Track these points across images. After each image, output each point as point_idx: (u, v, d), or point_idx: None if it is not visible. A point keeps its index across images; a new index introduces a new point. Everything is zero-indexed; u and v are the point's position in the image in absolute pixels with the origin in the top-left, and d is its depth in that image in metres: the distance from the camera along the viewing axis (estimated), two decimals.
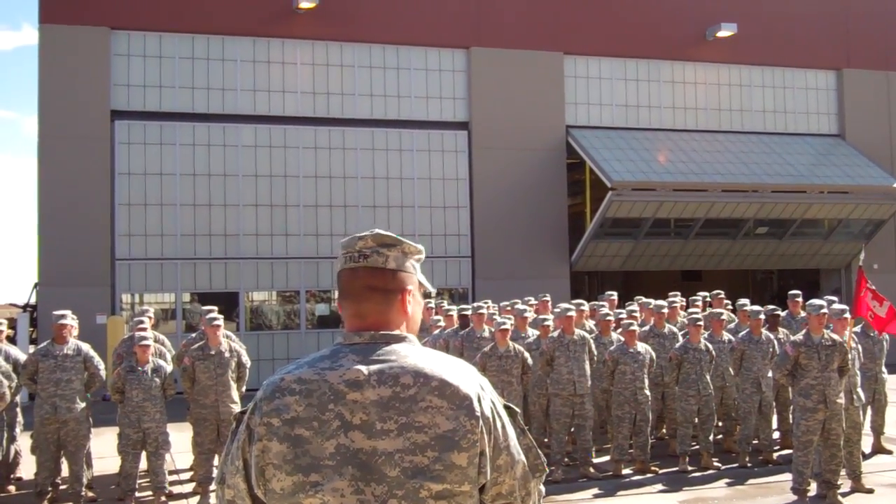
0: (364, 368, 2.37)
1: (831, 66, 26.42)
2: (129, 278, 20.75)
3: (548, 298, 14.65)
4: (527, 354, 11.44)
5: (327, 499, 2.30)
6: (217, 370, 10.28)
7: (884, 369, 12.69)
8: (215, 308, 11.65)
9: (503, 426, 2.41)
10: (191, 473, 11.15)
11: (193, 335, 12.46)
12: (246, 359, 10.69)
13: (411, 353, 2.41)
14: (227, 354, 10.39)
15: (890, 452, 12.55)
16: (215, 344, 10.39)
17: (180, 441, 11.87)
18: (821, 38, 26.10)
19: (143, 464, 10.38)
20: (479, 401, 2.36)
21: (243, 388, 10.68)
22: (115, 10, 20.74)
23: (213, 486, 9.38)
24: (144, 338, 10.28)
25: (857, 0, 26.59)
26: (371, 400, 2.34)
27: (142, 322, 11.14)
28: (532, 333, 12.67)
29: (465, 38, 23.06)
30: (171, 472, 10.59)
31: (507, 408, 2.48)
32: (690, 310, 14.14)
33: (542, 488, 2.57)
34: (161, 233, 20.91)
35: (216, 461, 10.51)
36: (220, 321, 10.56)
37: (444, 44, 23.02)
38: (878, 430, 12.71)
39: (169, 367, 10.54)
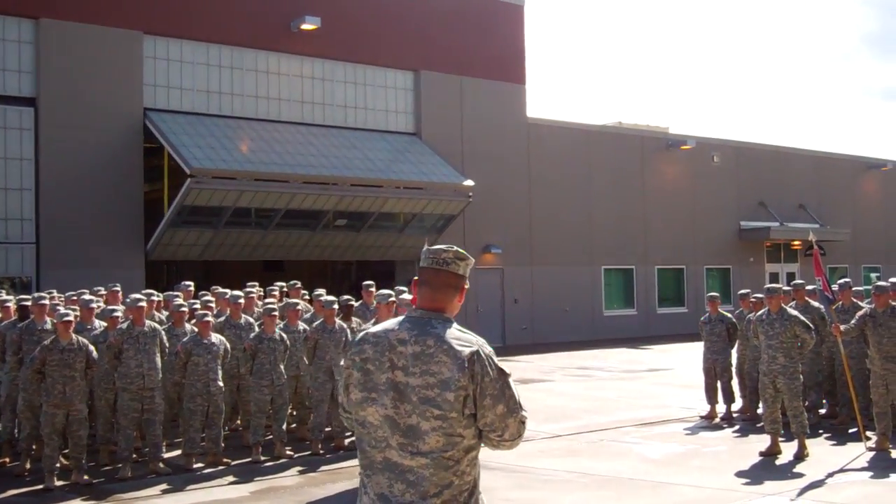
0: (409, 332, 3.71)
1: (409, 67, 27.60)
2: None
3: (118, 289, 13.86)
4: (91, 347, 10.70)
5: (377, 409, 3.67)
6: None
7: None
8: None
9: (490, 380, 3.63)
10: None
11: None
12: None
13: (441, 327, 3.72)
14: None
15: None
16: None
17: None
18: (401, 40, 27.18)
19: None
20: (471, 362, 3.61)
21: None
22: None
23: None
24: None
25: (434, 6, 27.97)
26: (410, 352, 3.67)
27: None
28: (99, 325, 11.92)
29: (32, 7, 21.33)
30: None
31: (500, 370, 3.68)
32: (266, 300, 14.06)
33: (524, 423, 3.74)
34: None
35: None
36: None
37: (7, 11, 21.11)
38: None
39: None
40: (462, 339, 3.70)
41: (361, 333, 3.87)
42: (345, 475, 10.77)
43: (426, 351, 3.65)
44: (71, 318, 10.61)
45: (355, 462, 10.55)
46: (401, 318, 3.83)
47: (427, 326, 3.73)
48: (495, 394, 3.64)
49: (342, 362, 11.64)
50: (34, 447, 11.18)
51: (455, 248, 3.95)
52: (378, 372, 3.70)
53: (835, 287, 12.97)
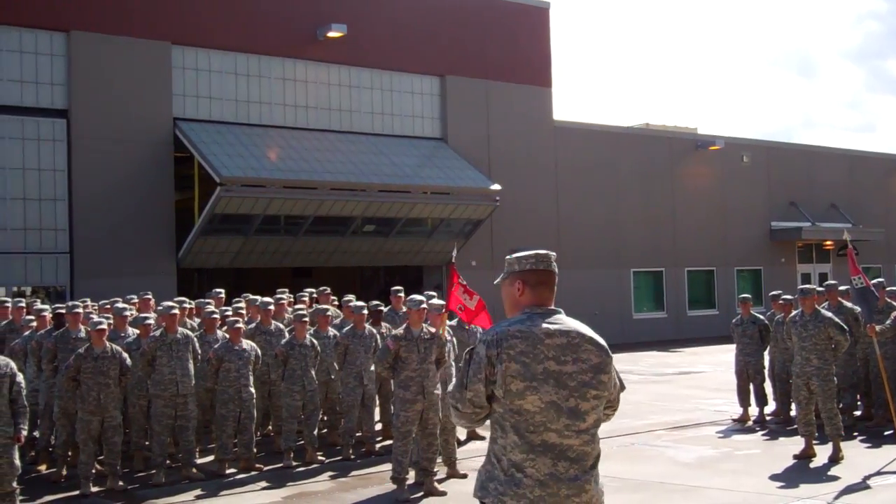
0: (550, 326, 4.17)
1: (435, 72, 27.63)
2: None
3: (149, 296, 14.00)
4: (125, 355, 10.80)
5: (539, 396, 4.08)
6: None
7: None
8: None
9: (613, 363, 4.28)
10: None
11: None
12: None
13: (567, 320, 4.25)
14: None
15: (483, 438, 13.21)
16: None
17: None
18: (426, 45, 27.22)
19: None
20: (608, 349, 4.23)
21: None
22: None
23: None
24: None
25: (459, 11, 28.01)
26: (556, 344, 4.14)
27: None
28: (132, 333, 12.04)
29: (62, 20, 21.56)
30: None
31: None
32: (296, 306, 14.13)
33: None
34: None
35: None
36: None
37: (40, 25, 21.39)
38: None
39: None
40: (591, 330, 4.29)
41: (498, 330, 4.22)
42: (375, 480, 10.80)
43: (572, 342, 4.16)
44: (104, 326, 10.72)
45: (386, 467, 10.67)
46: (525, 315, 4.25)
47: (557, 319, 4.24)
48: (615, 374, 4.33)
49: (372, 367, 11.70)
50: (70, 454, 11.32)
51: (552, 252, 4.47)
52: (534, 363, 4.10)
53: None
